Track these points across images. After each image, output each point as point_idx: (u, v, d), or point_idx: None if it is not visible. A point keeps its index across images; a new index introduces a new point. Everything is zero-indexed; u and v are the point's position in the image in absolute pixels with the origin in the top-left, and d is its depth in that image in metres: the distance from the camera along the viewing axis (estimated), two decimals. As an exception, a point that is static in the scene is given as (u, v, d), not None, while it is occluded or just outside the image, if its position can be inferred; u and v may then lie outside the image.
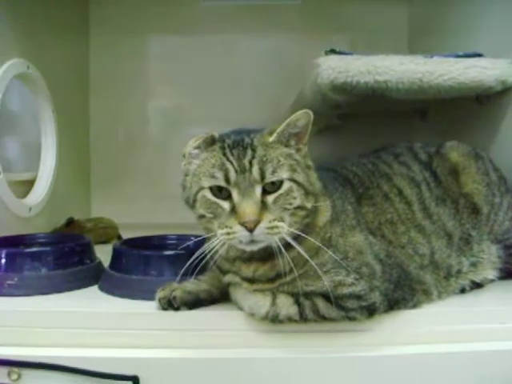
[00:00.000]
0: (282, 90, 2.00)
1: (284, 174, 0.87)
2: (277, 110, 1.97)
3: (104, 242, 1.57)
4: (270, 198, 0.86)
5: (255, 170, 0.86)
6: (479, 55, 1.29)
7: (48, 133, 1.63)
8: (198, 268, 0.96)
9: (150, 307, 0.98)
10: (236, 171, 0.87)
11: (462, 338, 0.97)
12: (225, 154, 0.89)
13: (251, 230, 0.83)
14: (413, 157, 1.16)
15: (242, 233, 0.84)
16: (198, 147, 0.93)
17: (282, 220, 0.86)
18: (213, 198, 0.88)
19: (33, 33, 1.53)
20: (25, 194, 1.54)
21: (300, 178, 0.88)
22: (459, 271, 1.06)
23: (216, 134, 0.94)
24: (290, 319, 0.92)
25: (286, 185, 0.87)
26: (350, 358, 0.95)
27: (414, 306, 0.98)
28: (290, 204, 0.87)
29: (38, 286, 1.07)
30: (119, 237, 1.67)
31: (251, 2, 2.04)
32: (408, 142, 1.22)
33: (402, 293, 0.97)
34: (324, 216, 0.95)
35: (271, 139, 0.90)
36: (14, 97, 1.50)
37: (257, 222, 0.83)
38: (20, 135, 1.73)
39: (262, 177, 0.86)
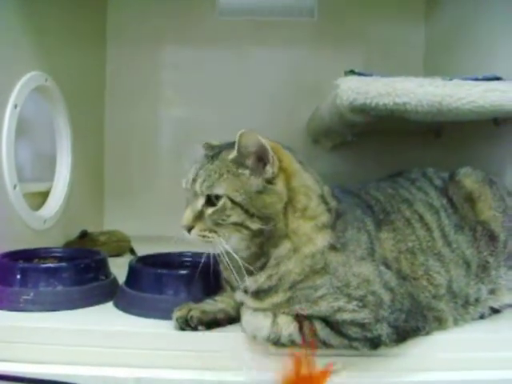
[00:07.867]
0: (295, 104, 2.01)
1: (219, 191, 0.90)
2: (290, 123, 1.99)
3: (116, 255, 1.57)
4: (207, 211, 0.91)
5: (198, 181, 0.92)
6: (498, 78, 1.27)
7: (63, 144, 1.64)
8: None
9: (166, 327, 0.97)
10: (192, 180, 0.93)
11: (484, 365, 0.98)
12: (199, 162, 0.96)
13: (189, 232, 0.92)
14: (428, 182, 1.16)
15: (183, 231, 0.92)
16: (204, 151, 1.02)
17: (214, 232, 0.91)
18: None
19: (51, 45, 1.54)
20: (39, 206, 1.54)
21: (238, 198, 0.90)
22: (477, 299, 1.05)
23: (212, 143, 1.02)
24: (292, 342, 0.91)
25: (222, 201, 0.90)
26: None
27: (427, 334, 0.97)
28: (223, 220, 0.90)
29: (54, 302, 1.06)
30: (132, 250, 1.67)
31: (267, 18, 2.05)
32: (420, 168, 1.21)
33: (414, 322, 0.95)
34: (314, 245, 0.92)
35: (230, 157, 0.92)
36: (29, 107, 1.50)
37: (190, 228, 0.91)
38: (34, 146, 1.73)
39: (202, 189, 0.91)
